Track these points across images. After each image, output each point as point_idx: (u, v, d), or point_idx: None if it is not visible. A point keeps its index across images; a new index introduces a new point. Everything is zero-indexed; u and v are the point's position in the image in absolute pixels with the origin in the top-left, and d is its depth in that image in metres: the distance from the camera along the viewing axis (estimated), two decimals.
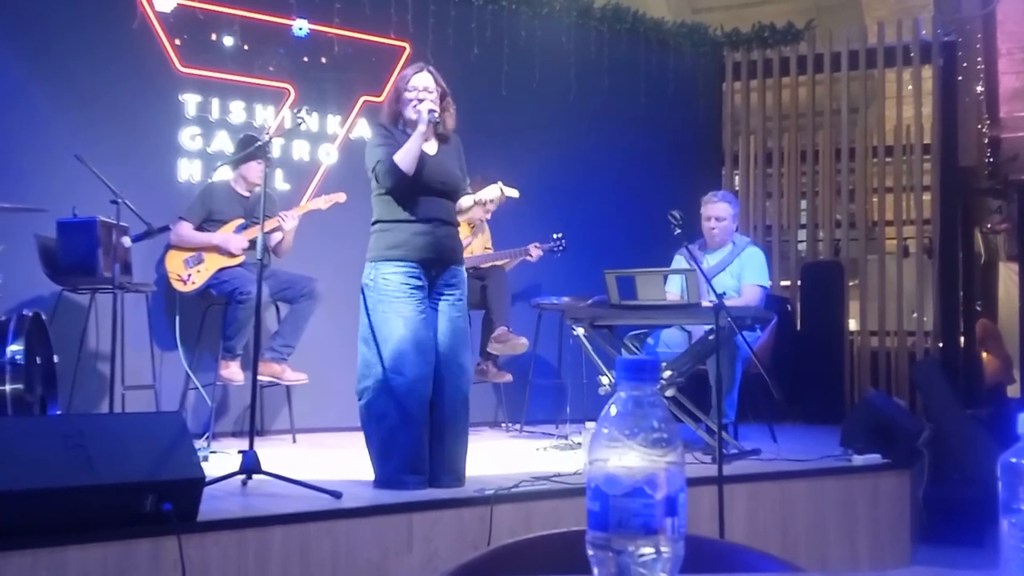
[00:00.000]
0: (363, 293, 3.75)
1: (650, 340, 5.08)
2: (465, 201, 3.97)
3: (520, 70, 6.67)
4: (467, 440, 3.86)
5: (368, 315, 3.71)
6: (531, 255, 5.78)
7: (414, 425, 3.64)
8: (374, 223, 3.82)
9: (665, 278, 5.04)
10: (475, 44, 6.51)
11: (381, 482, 3.69)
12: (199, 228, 5.21)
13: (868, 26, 8.49)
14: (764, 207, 7.83)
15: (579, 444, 4.77)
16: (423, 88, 3.80)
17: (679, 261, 5.20)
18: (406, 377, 3.63)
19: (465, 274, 3.95)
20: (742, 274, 5.15)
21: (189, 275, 5.12)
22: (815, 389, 6.83)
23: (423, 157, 3.76)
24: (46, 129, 5.12)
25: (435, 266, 3.77)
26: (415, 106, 3.78)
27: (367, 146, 3.88)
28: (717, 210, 5.21)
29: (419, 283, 3.72)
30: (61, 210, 4.62)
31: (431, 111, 3.74)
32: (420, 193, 3.77)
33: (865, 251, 7.58)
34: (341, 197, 5.27)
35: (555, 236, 5.83)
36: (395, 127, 3.84)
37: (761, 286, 5.16)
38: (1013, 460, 0.93)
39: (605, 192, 6.88)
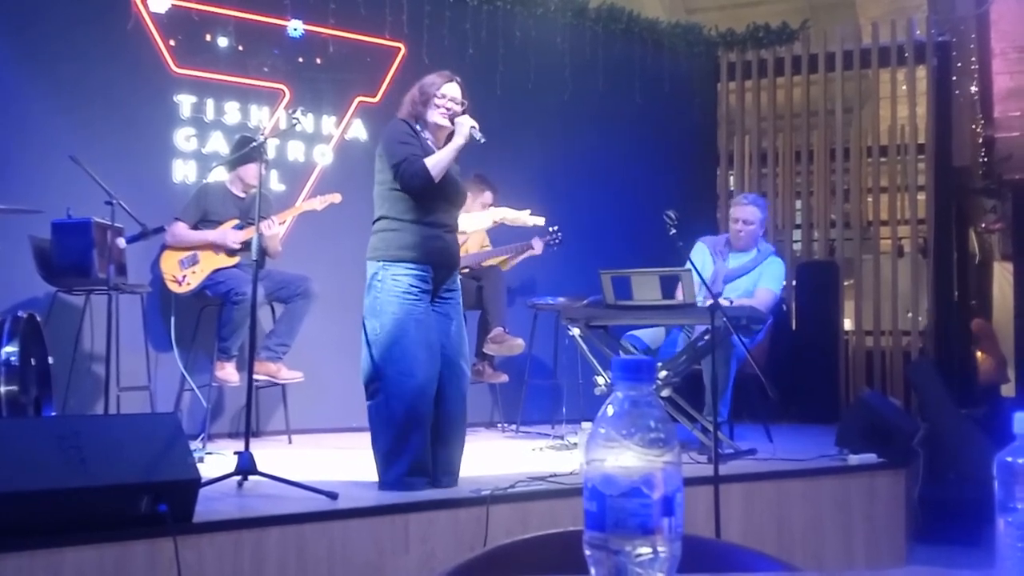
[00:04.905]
0: (370, 292, 3.72)
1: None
2: (486, 217, 3.98)
3: (515, 70, 6.67)
4: (464, 441, 3.86)
5: (376, 316, 3.67)
6: (535, 248, 5.78)
7: (423, 427, 3.64)
8: (380, 219, 3.77)
9: (661, 279, 5.04)
10: (470, 44, 6.50)
11: (387, 484, 3.66)
12: (194, 229, 5.20)
13: (862, 26, 8.49)
14: None
15: (575, 444, 4.77)
16: (451, 98, 3.80)
17: (700, 248, 5.22)
18: (417, 379, 3.62)
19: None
20: (759, 281, 5.16)
21: (184, 276, 5.11)
22: (810, 389, 6.83)
23: None
24: (41, 130, 5.11)
25: (441, 271, 3.79)
26: (443, 114, 3.77)
27: (388, 138, 3.79)
28: (745, 213, 5.21)
29: (427, 286, 3.72)
30: (56, 211, 4.61)
31: (473, 127, 3.74)
32: (439, 199, 3.77)
33: (860, 251, 7.59)
34: (336, 198, 5.26)
35: (551, 229, 5.81)
36: (413, 127, 3.81)
37: (773, 292, 5.16)
38: (1009, 459, 0.94)
39: (600, 192, 6.88)
